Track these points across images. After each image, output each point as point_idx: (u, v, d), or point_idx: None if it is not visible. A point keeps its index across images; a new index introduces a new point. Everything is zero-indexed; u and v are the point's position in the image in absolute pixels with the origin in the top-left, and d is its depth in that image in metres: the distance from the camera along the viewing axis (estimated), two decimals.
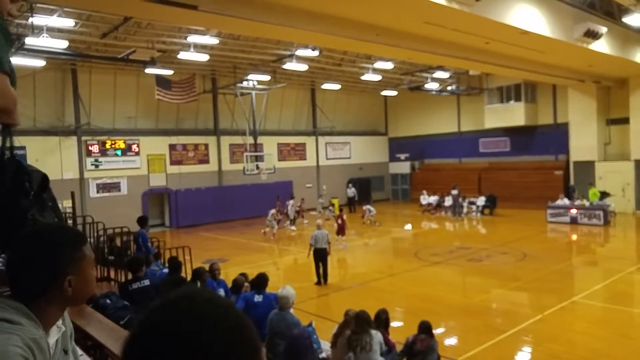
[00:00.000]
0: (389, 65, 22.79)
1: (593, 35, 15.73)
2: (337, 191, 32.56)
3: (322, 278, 12.55)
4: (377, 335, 5.64)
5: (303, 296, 10.83)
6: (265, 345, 5.73)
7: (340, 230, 17.10)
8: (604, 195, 21.78)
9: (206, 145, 26.87)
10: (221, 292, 7.26)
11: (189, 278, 7.96)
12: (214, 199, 25.92)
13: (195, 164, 26.29)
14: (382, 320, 6.35)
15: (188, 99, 22.95)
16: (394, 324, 8.99)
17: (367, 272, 14.15)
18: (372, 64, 22.97)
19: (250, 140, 25.61)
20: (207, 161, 26.85)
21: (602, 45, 17.01)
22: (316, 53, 19.55)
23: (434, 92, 28.31)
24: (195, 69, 23.18)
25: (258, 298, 6.42)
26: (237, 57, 21.41)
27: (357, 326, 5.66)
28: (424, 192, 28.52)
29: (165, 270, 8.60)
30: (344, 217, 17.66)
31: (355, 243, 19.24)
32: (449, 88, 28.32)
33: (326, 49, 19.33)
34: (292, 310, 5.96)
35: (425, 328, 6.06)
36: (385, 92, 32.43)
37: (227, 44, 18.89)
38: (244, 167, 24.17)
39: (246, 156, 24.65)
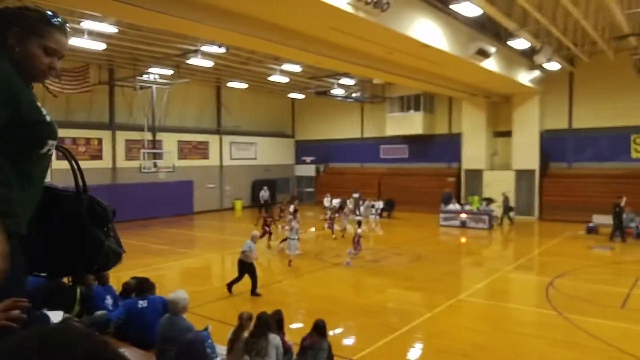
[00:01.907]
0: (296, 68, 22.98)
1: (484, 54, 17.07)
2: (242, 192, 32.28)
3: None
4: (274, 339, 5.61)
5: (200, 300, 10.57)
6: (156, 351, 5.47)
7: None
8: (488, 201, 23.71)
9: (100, 140, 24.86)
10: (109, 299, 6.78)
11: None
12: (107, 198, 23.78)
13: (86, 160, 24.47)
14: (276, 322, 6.29)
15: (80, 90, 21.21)
16: (295, 325, 9.10)
17: (270, 274, 14.13)
18: (280, 65, 23.00)
19: (148, 136, 24.51)
20: (100, 157, 24.87)
21: (491, 64, 18.51)
22: (223, 50, 19.18)
23: (339, 98, 29.03)
24: (89, 57, 21.60)
25: (142, 303, 6.05)
26: (138, 48, 20.34)
27: (256, 329, 5.60)
28: (328, 195, 29.04)
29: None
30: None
31: (257, 245, 19.10)
32: (353, 95, 29.19)
33: (233, 47, 19.04)
34: (185, 315, 5.73)
35: (317, 327, 6.11)
36: (292, 95, 32.66)
37: (127, 34, 17.86)
38: (140, 165, 22.99)
39: (143, 153, 23.47)
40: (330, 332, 8.84)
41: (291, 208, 19.62)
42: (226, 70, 25.48)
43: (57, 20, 1.86)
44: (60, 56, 1.90)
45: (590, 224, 20.54)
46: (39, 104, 1.81)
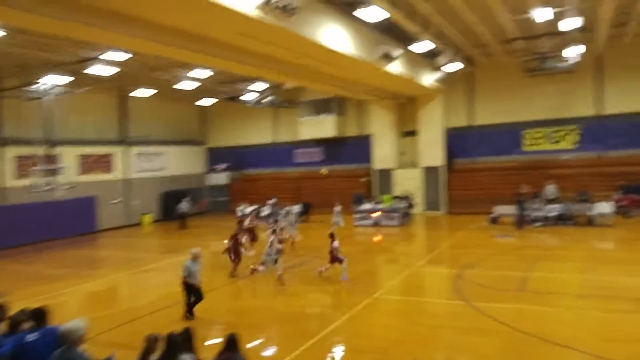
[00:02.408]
0: (206, 74, 22.38)
1: (389, 57, 17.72)
2: (150, 206, 30.77)
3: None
4: (186, 358, 5.35)
5: (106, 325, 9.84)
6: None
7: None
8: (399, 199, 24.64)
9: None
10: None
11: None
12: None
13: None
14: (186, 341, 5.95)
15: None
16: (212, 341, 8.79)
17: (180, 290, 13.50)
18: (189, 71, 22.28)
19: (42, 151, 22.38)
20: None
21: (396, 67, 19.23)
22: (127, 57, 18.16)
23: (251, 104, 28.74)
24: None
25: (32, 336, 5.42)
26: (28, 54, 18.70)
27: (166, 351, 5.30)
28: (242, 203, 28.60)
29: None
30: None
31: (170, 261, 18.38)
32: (266, 100, 29.02)
33: (137, 53, 18.17)
34: (82, 347, 5.21)
35: (229, 341, 5.91)
36: (202, 101, 31.83)
37: (15, 39, 16.26)
38: (33, 183, 20.66)
39: (34, 170, 21.10)
40: (250, 344, 8.71)
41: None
42: (131, 78, 24.29)
43: None
44: None
45: (493, 215, 21.97)
46: None
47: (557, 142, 25.33)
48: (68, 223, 24.81)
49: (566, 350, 7.66)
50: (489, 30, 19.34)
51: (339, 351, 8.50)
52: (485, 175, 25.88)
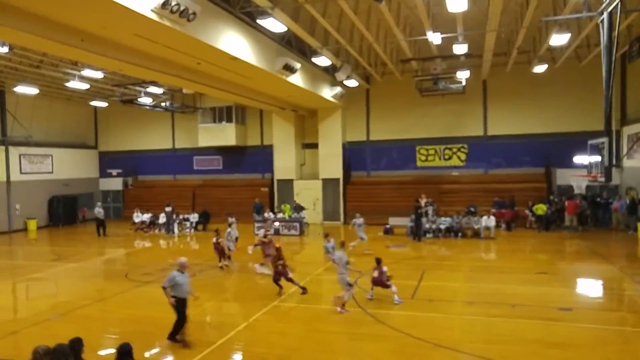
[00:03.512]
0: (98, 75, 21.22)
1: (290, 69, 18.10)
2: (36, 211, 28.55)
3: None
4: None
5: None
6: None
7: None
8: (298, 209, 25.09)
9: None
10: None
11: None
12: None
13: None
14: (75, 352, 5.70)
15: None
16: (104, 352, 8.41)
17: (71, 299, 12.74)
18: (80, 70, 21.02)
19: None
20: None
21: (297, 79, 19.70)
22: (5, 50, 16.73)
23: (147, 107, 27.73)
24: None
25: None
26: None
27: None
28: (137, 210, 27.45)
29: None
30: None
31: (57, 269, 17.15)
32: (163, 104, 28.16)
33: (20, 47, 16.83)
34: None
35: (121, 352, 5.78)
36: (94, 103, 30.07)
37: None
38: None
39: None
40: (146, 354, 8.45)
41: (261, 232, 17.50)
42: (12, 73, 22.39)
43: None
44: None
45: (387, 226, 23.16)
46: None
47: (448, 159, 27.31)
48: None
49: (453, 352, 8.33)
50: (386, 49, 20.55)
51: (237, 359, 8.52)
52: (381, 188, 27.24)
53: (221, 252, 15.96)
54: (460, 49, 18.19)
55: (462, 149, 27.08)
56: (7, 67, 21.19)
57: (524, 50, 21.86)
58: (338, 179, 27.77)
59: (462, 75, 21.79)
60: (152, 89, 25.47)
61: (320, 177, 28.07)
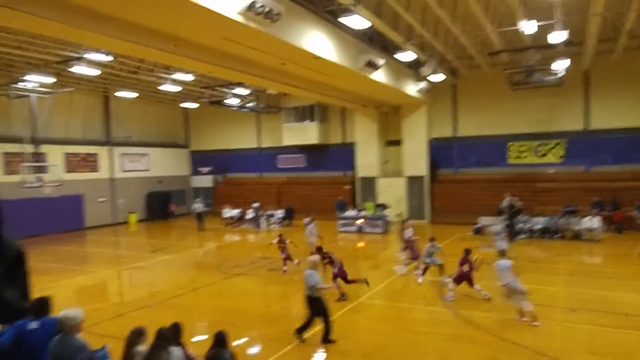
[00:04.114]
0: (189, 77, 22.38)
1: (373, 66, 17.86)
2: (136, 205, 30.77)
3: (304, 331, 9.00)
4: (175, 351, 5.42)
5: (97, 318, 10.03)
6: None
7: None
8: (381, 207, 24.79)
9: None
10: None
11: None
12: None
13: None
14: (174, 335, 6.08)
15: None
16: (196, 338, 8.81)
17: (167, 289, 13.54)
18: (172, 74, 22.27)
19: (30, 148, 22.48)
20: None
21: (380, 76, 19.44)
22: (110, 58, 18.16)
23: (234, 108, 28.80)
24: None
25: (33, 325, 5.52)
26: (12, 53, 18.58)
27: (156, 343, 5.37)
28: (227, 205, 28.73)
29: None
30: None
31: (155, 260, 18.31)
32: (249, 105, 29.10)
33: (121, 55, 18.11)
34: (79, 335, 5.34)
35: (217, 338, 6.02)
36: (185, 104, 31.77)
37: None
38: (22, 179, 21.04)
39: (24, 167, 21.53)
40: (234, 343, 8.73)
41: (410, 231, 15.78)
42: (114, 79, 24.21)
43: None
44: None
45: (477, 225, 22.23)
46: None
47: (543, 155, 25.54)
48: (56, 220, 25.14)
49: None
50: (474, 42, 19.72)
51: (324, 353, 8.55)
52: (469, 187, 26.09)
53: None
54: (557, 37, 16.91)
55: (560, 145, 25.24)
56: (110, 75, 22.87)
57: (635, 34, 19.86)
58: (423, 177, 27.10)
59: (560, 65, 20.25)
60: (239, 90, 26.38)
61: (404, 175, 27.56)
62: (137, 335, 5.62)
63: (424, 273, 13.24)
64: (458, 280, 11.41)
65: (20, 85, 21.33)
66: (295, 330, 8.95)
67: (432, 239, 13.56)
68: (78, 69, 19.12)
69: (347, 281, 12.07)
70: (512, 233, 19.83)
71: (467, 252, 11.53)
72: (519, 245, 19.39)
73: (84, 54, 17.78)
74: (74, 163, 27.34)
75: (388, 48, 19.81)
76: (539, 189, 24.43)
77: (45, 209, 24.17)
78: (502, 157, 26.40)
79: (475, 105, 26.73)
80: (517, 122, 25.68)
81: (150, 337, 5.71)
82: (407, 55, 19.23)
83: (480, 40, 20.59)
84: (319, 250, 12.54)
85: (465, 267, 11.27)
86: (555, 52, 20.03)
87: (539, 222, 20.97)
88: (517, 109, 25.51)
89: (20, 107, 22.06)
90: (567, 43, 18.18)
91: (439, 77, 23.19)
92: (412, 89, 24.10)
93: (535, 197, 23.84)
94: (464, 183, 26.62)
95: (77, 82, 24.11)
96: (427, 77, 22.81)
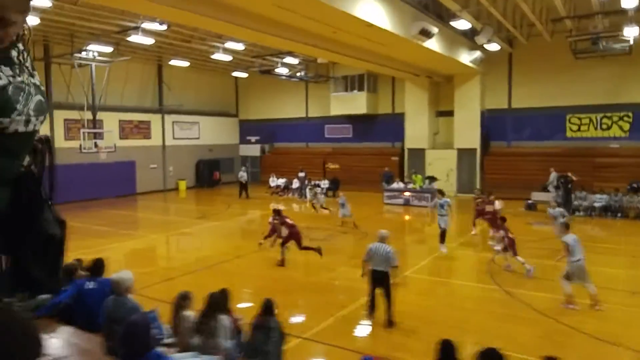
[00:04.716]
0: (240, 47, 22.37)
1: (427, 34, 17.25)
2: (185, 172, 31.58)
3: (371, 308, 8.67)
4: (224, 320, 5.53)
5: (147, 282, 10.36)
6: (104, 333, 5.29)
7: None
8: (431, 179, 24.29)
9: None
10: None
11: None
12: (44, 179, 23.12)
13: None
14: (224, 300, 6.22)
15: None
16: (243, 305, 9.00)
17: (213, 254, 13.91)
18: (223, 43, 22.35)
19: (88, 115, 23.42)
20: None
21: (433, 44, 18.77)
22: (164, 27, 18.37)
23: (283, 77, 28.71)
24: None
25: (90, 285, 5.82)
26: (75, 24, 19.23)
27: (206, 310, 5.50)
28: (273, 175, 29.03)
29: None
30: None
31: (202, 226, 18.81)
32: (298, 74, 28.94)
33: (175, 24, 18.29)
34: (131, 296, 5.56)
35: (265, 306, 6.10)
36: (236, 74, 31.93)
37: (63, 9, 16.88)
38: (80, 145, 22.02)
39: (83, 133, 22.53)
40: (278, 311, 8.87)
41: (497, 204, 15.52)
42: (168, 48, 24.57)
43: None
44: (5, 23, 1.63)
45: (529, 201, 21.45)
46: None
47: (607, 128, 23.90)
48: (110, 184, 26.16)
49: (613, 347, 7.38)
50: (533, 8, 18.62)
51: (368, 325, 8.54)
52: (523, 160, 25.00)
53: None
54: (629, 1, 15.68)
55: (626, 118, 23.54)
56: (165, 43, 23.22)
57: None
58: (475, 149, 26.25)
59: (631, 32, 18.79)
60: (288, 60, 26.22)
61: (455, 147, 26.82)
62: (183, 299, 5.82)
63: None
64: (513, 249, 11.24)
65: (82, 54, 22.11)
66: (368, 311, 8.63)
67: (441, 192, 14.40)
68: (135, 38, 19.50)
69: (300, 247, 12.37)
70: (567, 209, 18.97)
71: (504, 220, 11.89)
72: (576, 224, 18.57)
73: (140, 23, 18.09)
74: (127, 130, 28.21)
75: (442, 16, 19.04)
76: (599, 164, 23.11)
77: (100, 174, 25.17)
78: (559, 130, 25.08)
79: (533, 76, 25.37)
80: (579, 93, 24.18)
81: (198, 302, 5.88)
82: (462, 23, 18.42)
83: (543, 6, 19.44)
84: (277, 212, 12.78)
85: (511, 235, 11.29)
86: (624, 18, 18.60)
87: (598, 200, 19.94)
88: (579, 79, 24.01)
89: (81, 75, 22.81)
90: (639, 8, 16.86)
91: (495, 46, 22.18)
92: (466, 58, 23.18)
93: (594, 173, 22.61)
94: (517, 156, 25.59)
95: (133, 51, 24.65)
96: (482, 46, 21.85)
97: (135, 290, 5.88)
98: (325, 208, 20.19)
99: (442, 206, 13.80)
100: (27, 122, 1.60)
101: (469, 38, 21.97)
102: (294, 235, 12.40)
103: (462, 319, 8.77)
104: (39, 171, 1.87)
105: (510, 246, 11.29)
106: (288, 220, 12.65)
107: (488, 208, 14.97)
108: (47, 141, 1.88)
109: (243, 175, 27.00)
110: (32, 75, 1.65)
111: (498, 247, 12.24)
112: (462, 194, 25.78)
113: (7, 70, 1.57)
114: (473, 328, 8.40)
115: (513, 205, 21.47)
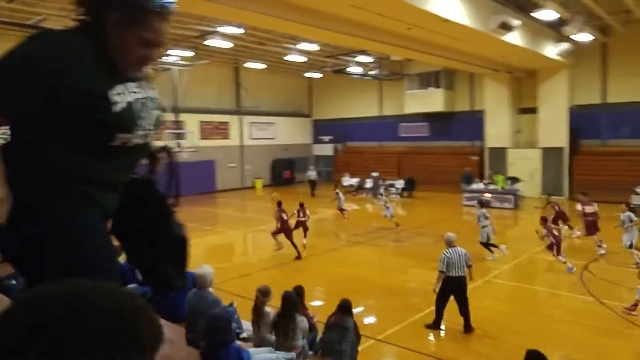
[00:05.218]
0: (313, 47, 22.57)
1: (507, 27, 16.40)
2: (262, 171, 32.44)
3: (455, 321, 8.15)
4: (301, 322, 5.57)
5: (224, 277, 10.65)
6: (186, 325, 5.53)
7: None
8: (513, 180, 23.08)
9: None
10: (138, 273, 6.75)
11: None
12: (170, 185, 24.95)
13: None
14: (299, 297, 6.29)
15: None
16: (315, 303, 9.00)
17: (288, 252, 14.03)
18: (297, 45, 22.64)
19: (171, 117, 24.73)
20: None
21: (515, 38, 17.84)
22: (241, 31, 18.93)
23: (356, 76, 28.58)
24: None
25: None
26: None
27: (283, 310, 5.55)
28: (346, 174, 29.01)
29: None
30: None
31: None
32: (371, 72, 28.68)
33: (250, 27, 18.76)
34: (211, 289, 5.74)
35: (342, 306, 6.06)
36: (309, 74, 32.29)
37: None
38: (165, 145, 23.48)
39: (166, 134, 23.82)
40: (355, 311, 8.78)
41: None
42: (244, 51, 25.29)
43: (159, 4, 1.60)
44: (159, 46, 1.67)
45: (632, 204, 19.52)
46: (116, 91, 1.58)
47: None
48: (191, 183, 27.24)
49: None
50: None
51: (444, 330, 8.22)
52: (619, 160, 22.79)
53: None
54: None
55: None
56: (241, 47, 23.93)
57: None
58: (562, 148, 24.58)
59: None
60: (362, 58, 26.05)
61: (539, 146, 25.33)
62: (263, 294, 5.93)
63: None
64: (558, 248, 11.29)
65: (165, 59, 23.34)
66: (432, 325, 8.13)
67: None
68: (213, 42, 20.26)
69: (290, 239, 13.11)
70: None
71: (545, 220, 11.88)
72: None
73: (218, 27, 18.74)
74: (207, 131, 29.45)
75: (524, 7, 18.02)
76: None
77: (183, 172, 26.31)
78: None
79: (632, 67, 22.94)
80: None
81: (274, 299, 5.95)
82: (547, 14, 17.34)
83: None
84: (279, 204, 13.63)
85: (555, 232, 11.45)
86: None
87: None
88: None
89: (164, 79, 24.08)
90: None
91: (585, 37, 20.64)
92: (552, 50, 21.79)
93: None
94: (612, 156, 23.43)
95: (212, 55, 25.63)
96: (570, 37, 20.43)
97: (213, 284, 6.06)
98: (344, 209, 19.66)
99: (479, 218, 13.20)
100: (146, 135, 1.71)
101: (555, 29, 20.65)
102: (285, 230, 13.28)
103: (548, 328, 8.18)
104: (159, 178, 1.99)
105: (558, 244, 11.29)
106: (284, 215, 13.44)
107: (588, 209, 13.93)
108: (169, 150, 1.97)
109: (312, 174, 27.34)
110: (150, 88, 1.75)
111: (602, 252, 11.94)
112: (548, 195, 24.22)
113: (132, 86, 1.67)
114: (561, 339, 7.80)
115: (607, 209, 19.84)
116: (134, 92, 1.68)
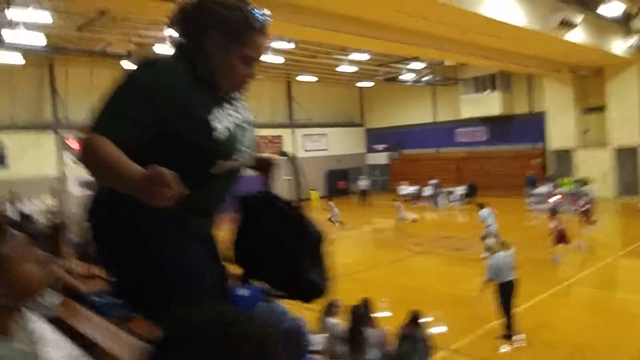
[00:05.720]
0: (364, 57, 22.57)
1: (568, 24, 15.75)
2: (316, 183, 32.56)
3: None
4: (372, 334, 5.52)
5: None
6: None
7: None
8: (581, 182, 21.92)
9: None
10: None
11: None
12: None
13: None
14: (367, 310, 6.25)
15: None
16: (381, 314, 8.86)
17: (349, 263, 13.92)
18: (348, 55, 22.71)
19: None
20: None
21: (577, 35, 17.09)
22: (292, 45, 19.18)
23: (409, 83, 28.28)
24: None
25: (242, 292, 6.17)
26: None
27: (353, 324, 5.53)
28: (403, 182, 28.63)
29: None
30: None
31: (339, 234, 19.07)
32: (424, 79, 28.31)
33: (301, 41, 18.99)
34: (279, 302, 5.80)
35: (413, 318, 6.05)
36: (361, 84, 32.27)
37: None
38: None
39: None
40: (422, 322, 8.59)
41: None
42: (296, 65, 25.60)
43: (259, 20, 1.59)
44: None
45: None
46: (215, 116, 1.58)
47: None
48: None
49: None
50: None
51: (522, 342, 7.84)
52: None
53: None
54: None
55: None
56: (292, 60, 24.26)
57: None
58: (636, 148, 23.24)
59: None
60: (414, 65, 25.79)
61: (609, 146, 24.02)
62: (332, 307, 5.92)
63: None
64: (558, 240, 11.46)
65: None
66: (507, 332, 7.83)
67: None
68: (265, 58, 20.63)
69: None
70: None
71: (553, 212, 12.20)
72: None
73: (270, 43, 19.10)
74: (262, 145, 29.65)
75: (586, 2, 17.25)
76: None
77: (243, 185, 27.00)
78: None
79: None
80: None
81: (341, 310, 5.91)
82: (613, 8, 16.51)
83: None
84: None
85: (557, 224, 11.61)
86: None
87: None
88: None
89: None
90: None
91: None
92: (620, 46, 20.70)
93: None
94: None
95: (265, 70, 26.12)
96: None
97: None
98: (339, 222, 19.47)
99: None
100: (242, 157, 1.74)
101: (622, 23, 19.64)
102: None
103: (638, 339, 7.62)
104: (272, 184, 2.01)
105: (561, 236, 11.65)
106: None
107: None
108: (294, 158, 2.01)
109: (363, 183, 27.35)
110: (246, 109, 1.75)
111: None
112: (623, 196, 22.94)
113: (230, 108, 1.67)
114: None
115: None
116: (232, 116, 1.65)
